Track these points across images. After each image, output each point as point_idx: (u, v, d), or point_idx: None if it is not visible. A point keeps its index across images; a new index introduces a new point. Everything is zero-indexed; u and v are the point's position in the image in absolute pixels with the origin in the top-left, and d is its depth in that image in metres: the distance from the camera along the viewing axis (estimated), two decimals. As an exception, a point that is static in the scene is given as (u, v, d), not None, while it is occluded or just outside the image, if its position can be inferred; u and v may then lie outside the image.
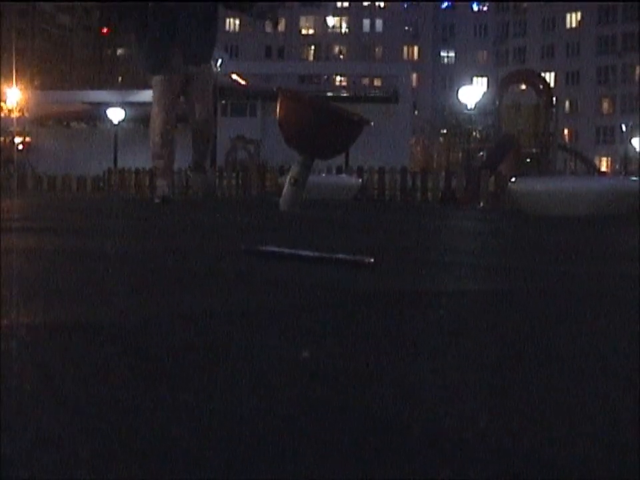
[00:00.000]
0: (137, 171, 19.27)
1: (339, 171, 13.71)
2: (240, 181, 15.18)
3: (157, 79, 5.83)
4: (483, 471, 0.57)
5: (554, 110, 21.10)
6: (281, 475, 0.56)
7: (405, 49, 72.13)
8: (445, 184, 13.74)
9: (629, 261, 2.46)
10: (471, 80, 61.22)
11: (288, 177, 5.60)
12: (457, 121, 41.47)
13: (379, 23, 72.62)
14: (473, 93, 32.53)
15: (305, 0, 68.06)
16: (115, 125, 26.99)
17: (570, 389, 0.83)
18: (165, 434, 0.64)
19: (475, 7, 75.15)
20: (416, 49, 72.01)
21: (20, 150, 31.76)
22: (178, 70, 5.76)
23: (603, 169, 57.31)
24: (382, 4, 71.91)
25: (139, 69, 6.41)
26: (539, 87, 21.63)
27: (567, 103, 67.66)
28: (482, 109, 33.18)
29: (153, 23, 5.65)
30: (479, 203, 9.87)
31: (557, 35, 71.25)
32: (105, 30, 57.37)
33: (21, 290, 1.46)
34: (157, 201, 6.04)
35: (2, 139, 31.83)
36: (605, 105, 70.64)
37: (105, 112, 27.95)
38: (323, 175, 11.52)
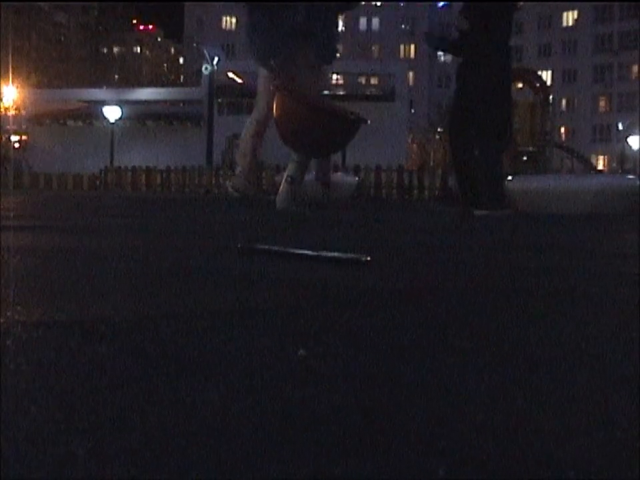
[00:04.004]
0: (134, 169, 19.28)
1: (336, 169, 13.70)
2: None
3: (266, 74, 5.88)
4: (482, 470, 0.57)
5: (550, 108, 21.08)
6: (279, 474, 0.56)
7: (402, 47, 72.09)
8: (441, 182, 13.75)
9: (627, 260, 2.47)
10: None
11: (284, 176, 5.59)
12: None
13: (375, 22, 72.59)
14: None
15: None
16: (111, 123, 26.93)
17: (567, 388, 0.83)
18: (163, 433, 0.64)
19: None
20: (412, 47, 71.98)
21: (16, 148, 31.71)
22: (307, 65, 5.85)
23: (600, 167, 57.34)
24: (378, 2, 71.86)
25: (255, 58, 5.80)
26: (536, 85, 21.60)
27: (564, 101, 67.73)
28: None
29: (286, 18, 5.64)
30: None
31: (554, 33, 71.29)
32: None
33: (17, 288, 1.46)
34: (233, 193, 6.34)
35: (-1, 137, 31.81)
36: (602, 103, 70.73)
37: (102, 110, 27.87)
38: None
